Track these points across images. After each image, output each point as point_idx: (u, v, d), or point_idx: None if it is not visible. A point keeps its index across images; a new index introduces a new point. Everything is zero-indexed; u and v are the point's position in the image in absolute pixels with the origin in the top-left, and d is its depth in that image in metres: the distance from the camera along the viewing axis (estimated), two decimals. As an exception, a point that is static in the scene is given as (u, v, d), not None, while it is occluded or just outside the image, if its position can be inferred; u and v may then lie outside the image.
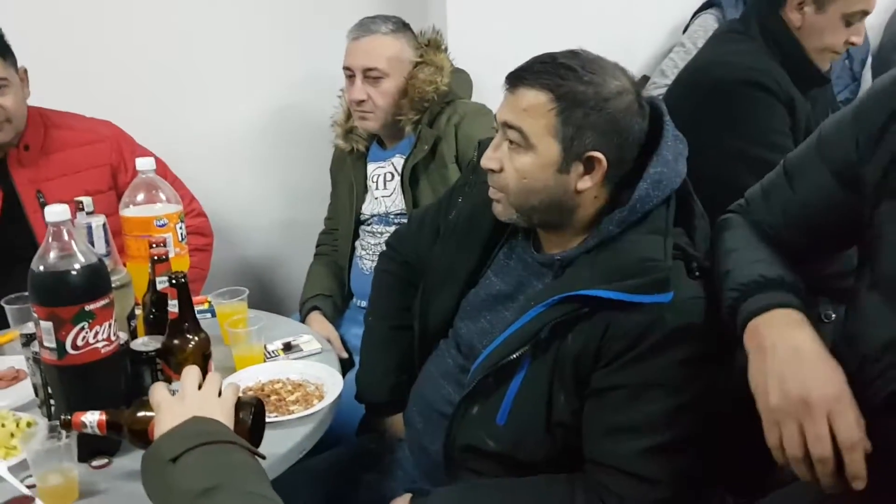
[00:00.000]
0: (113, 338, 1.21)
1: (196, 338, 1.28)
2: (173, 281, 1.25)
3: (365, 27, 2.00)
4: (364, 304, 2.11)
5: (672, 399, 1.11)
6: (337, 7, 2.47)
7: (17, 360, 1.51)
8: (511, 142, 1.19)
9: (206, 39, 2.40)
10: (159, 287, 1.36)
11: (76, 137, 2.01)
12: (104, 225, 1.38)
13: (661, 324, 1.09)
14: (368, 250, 2.14)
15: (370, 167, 2.16)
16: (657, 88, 2.43)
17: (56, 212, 1.16)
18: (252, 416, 1.06)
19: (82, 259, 1.17)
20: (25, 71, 1.95)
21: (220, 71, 2.44)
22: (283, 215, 2.64)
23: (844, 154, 1.10)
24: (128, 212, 1.49)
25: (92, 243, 1.37)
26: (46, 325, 1.16)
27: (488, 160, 1.23)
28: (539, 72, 1.18)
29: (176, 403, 1.02)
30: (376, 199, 2.13)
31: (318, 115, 2.40)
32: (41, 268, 1.16)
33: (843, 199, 1.11)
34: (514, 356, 1.16)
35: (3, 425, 1.27)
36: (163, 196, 1.51)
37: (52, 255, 1.16)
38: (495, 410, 1.19)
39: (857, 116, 1.10)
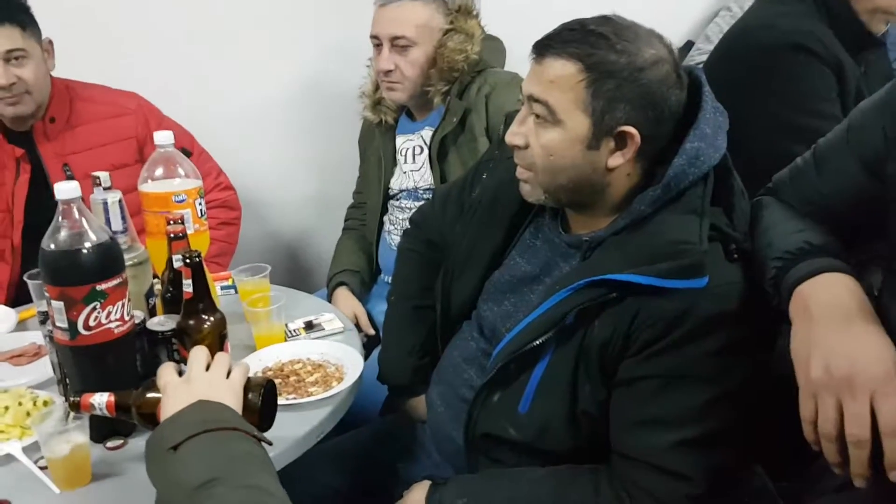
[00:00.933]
0: (126, 318, 1.18)
1: (211, 318, 1.25)
2: (187, 260, 1.22)
3: (393, -7, 1.93)
4: (390, 279, 2.07)
5: (705, 391, 1.04)
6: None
7: (40, 336, 1.50)
8: (537, 116, 1.12)
9: (232, 9, 2.35)
10: (175, 265, 1.33)
11: (102, 110, 1.99)
12: (120, 201, 1.35)
13: (695, 311, 1.02)
14: (397, 225, 2.09)
15: (399, 140, 2.10)
16: (702, 55, 2.33)
17: (66, 189, 1.13)
18: (262, 397, 1.02)
19: (94, 237, 1.14)
20: (51, 42, 1.93)
21: (248, 41, 2.39)
22: (312, 188, 2.60)
23: (872, 143, 1.02)
24: (146, 187, 1.45)
25: (108, 220, 1.34)
26: (58, 304, 1.14)
27: (513, 136, 1.15)
28: (567, 40, 1.10)
29: (182, 385, 0.99)
30: (405, 173, 2.07)
31: (348, 85, 2.34)
32: (52, 246, 1.14)
33: (870, 191, 1.03)
34: (537, 342, 1.10)
35: (20, 404, 1.26)
36: (181, 171, 1.47)
37: (63, 233, 1.13)
38: (517, 398, 1.14)
39: (886, 103, 1.02)
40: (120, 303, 1.17)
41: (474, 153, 1.93)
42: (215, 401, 0.95)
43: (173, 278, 1.35)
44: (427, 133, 2.03)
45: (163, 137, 1.45)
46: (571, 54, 1.08)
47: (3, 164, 1.91)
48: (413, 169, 2.06)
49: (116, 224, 1.35)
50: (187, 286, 1.23)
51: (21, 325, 1.62)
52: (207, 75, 2.37)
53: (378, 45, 1.96)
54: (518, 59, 2.16)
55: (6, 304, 1.93)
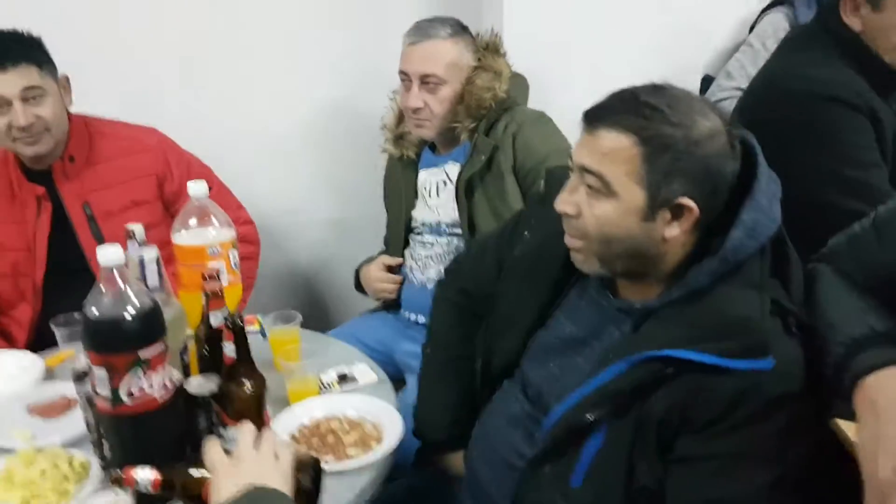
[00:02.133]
0: (168, 384, 1.16)
1: (252, 382, 1.23)
2: (230, 324, 1.19)
3: (423, 31, 1.91)
4: (414, 317, 2.06)
5: (768, 472, 1.02)
6: (388, 2, 2.38)
7: (69, 386, 1.47)
8: (590, 187, 1.10)
9: (250, 36, 2.33)
10: (213, 323, 1.30)
11: (121, 147, 1.96)
12: (157, 258, 1.32)
13: (758, 391, 1.00)
14: (419, 261, 2.07)
15: (422, 174, 2.09)
16: (722, 91, 2.30)
17: (108, 255, 1.10)
18: (312, 478, 1.00)
19: (137, 303, 1.12)
20: (67, 79, 1.90)
21: (266, 68, 2.36)
22: (332, 214, 2.58)
23: None
24: (180, 239, 1.43)
25: (144, 276, 1.32)
26: (101, 372, 1.11)
27: (564, 204, 1.14)
28: (620, 111, 1.08)
29: (231, 468, 0.97)
30: (429, 207, 2.06)
31: (368, 110, 2.33)
32: (94, 313, 1.11)
33: None
34: (591, 417, 1.08)
35: (55, 465, 1.23)
36: (216, 221, 1.44)
37: (106, 299, 1.11)
38: (569, 471, 1.11)
39: None
40: (162, 368, 1.15)
41: (501, 192, 1.92)
42: (269, 487, 0.93)
43: (210, 336, 1.32)
44: (451, 167, 2.02)
45: (197, 189, 1.42)
46: (625, 126, 1.07)
47: (24, 202, 1.88)
48: (437, 204, 2.04)
49: (153, 281, 1.32)
50: (230, 350, 1.21)
51: (48, 372, 1.59)
52: (226, 101, 2.35)
53: (407, 82, 1.94)
54: (539, 94, 2.16)
55: (28, 344, 1.92)
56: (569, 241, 1.16)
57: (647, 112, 1.07)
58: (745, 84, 2.27)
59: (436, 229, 2.05)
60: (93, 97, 1.99)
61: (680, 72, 2.35)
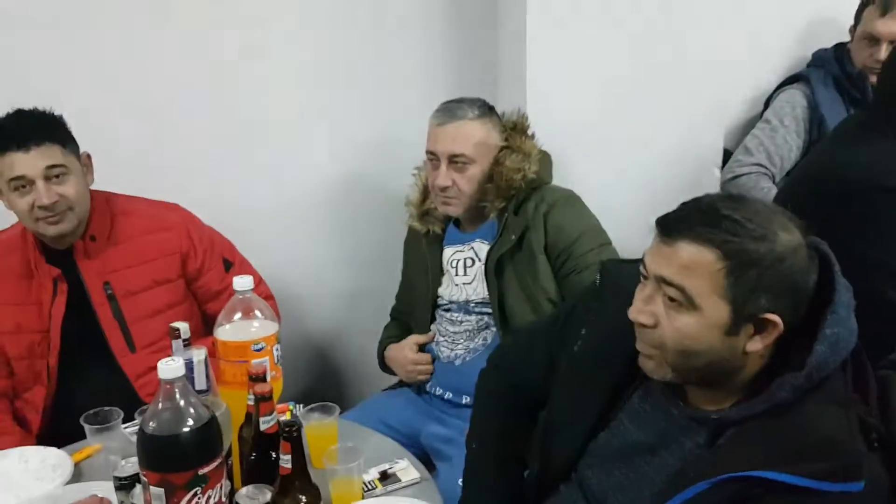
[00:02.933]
0: (224, 499, 1.11)
1: (308, 496, 1.18)
2: (286, 434, 1.15)
3: (451, 112, 1.90)
4: (440, 391, 2.01)
5: None
6: (405, 73, 2.38)
7: (99, 486, 1.40)
8: (671, 299, 1.08)
9: (267, 108, 2.30)
10: (263, 427, 1.26)
11: (144, 225, 1.92)
12: (206, 360, 1.28)
13: None
14: (447, 337, 2.03)
15: (448, 251, 2.06)
16: (742, 167, 2.32)
17: (170, 369, 1.06)
18: None
19: (196, 417, 1.07)
20: (89, 156, 1.87)
21: (283, 142, 2.34)
22: (346, 287, 2.54)
23: None
24: (224, 334, 1.37)
25: (191, 378, 1.27)
26: (157, 491, 1.06)
27: (640, 314, 1.11)
28: (700, 223, 1.06)
29: None
30: (457, 285, 2.03)
31: (382, 183, 2.31)
32: (153, 428, 1.06)
33: None
34: None
35: (97, 583, 1.17)
36: (259, 314, 1.40)
37: (165, 415, 1.06)
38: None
39: None
40: (219, 485, 1.10)
41: (533, 271, 1.90)
42: None
43: (259, 441, 1.27)
44: (479, 245, 2.00)
45: (242, 283, 1.38)
46: (707, 240, 1.05)
47: (41, 284, 1.83)
48: (465, 282, 2.02)
49: (201, 383, 1.27)
50: (285, 462, 1.17)
51: (76, 468, 1.51)
52: (244, 176, 2.32)
53: (435, 161, 1.93)
54: (561, 169, 2.15)
55: (41, 428, 1.84)
56: (642, 348, 1.14)
57: (728, 225, 1.05)
58: (764, 160, 2.30)
59: (464, 307, 2.02)
60: (115, 173, 1.96)
61: (701, 148, 2.36)
